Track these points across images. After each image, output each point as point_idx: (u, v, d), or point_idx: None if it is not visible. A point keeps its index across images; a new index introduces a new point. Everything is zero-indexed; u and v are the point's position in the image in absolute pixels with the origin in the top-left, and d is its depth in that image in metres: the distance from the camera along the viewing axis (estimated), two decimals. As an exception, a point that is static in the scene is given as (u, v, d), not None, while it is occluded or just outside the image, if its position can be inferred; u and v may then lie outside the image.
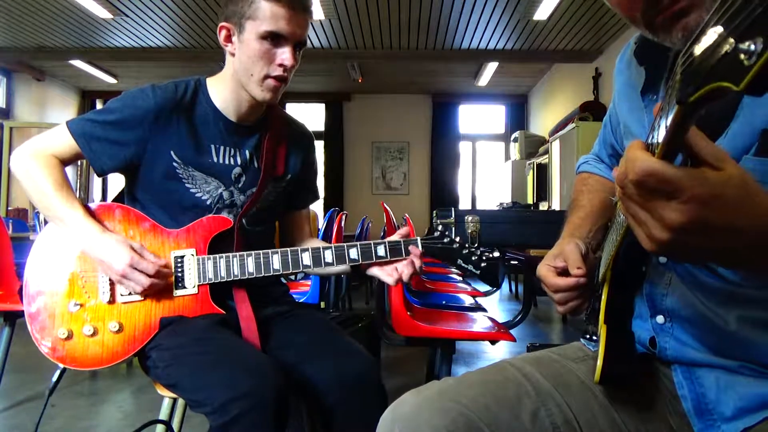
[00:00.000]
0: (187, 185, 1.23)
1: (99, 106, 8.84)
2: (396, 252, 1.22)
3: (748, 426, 0.64)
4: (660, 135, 0.44)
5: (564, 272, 0.79)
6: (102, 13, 5.32)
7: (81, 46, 6.45)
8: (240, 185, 1.28)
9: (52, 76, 7.86)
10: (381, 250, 1.21)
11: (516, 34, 5.90)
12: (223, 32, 1.20)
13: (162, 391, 1.15)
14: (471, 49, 6.43)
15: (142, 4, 5.19)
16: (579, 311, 0.81)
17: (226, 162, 1.26)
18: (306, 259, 1.20)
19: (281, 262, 1.21)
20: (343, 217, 3.25)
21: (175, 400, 1.23)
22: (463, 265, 1.21)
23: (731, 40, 0.35)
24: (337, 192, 8.68)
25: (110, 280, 1.16)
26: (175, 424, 1.34)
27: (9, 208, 6.75)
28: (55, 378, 1.23)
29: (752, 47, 0.34)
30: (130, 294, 1.16)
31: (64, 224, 1.17)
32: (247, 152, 1.29)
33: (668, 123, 0.43)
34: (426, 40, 6.12)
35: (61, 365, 1.14)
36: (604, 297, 0.75)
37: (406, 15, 5.39)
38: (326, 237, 3.12)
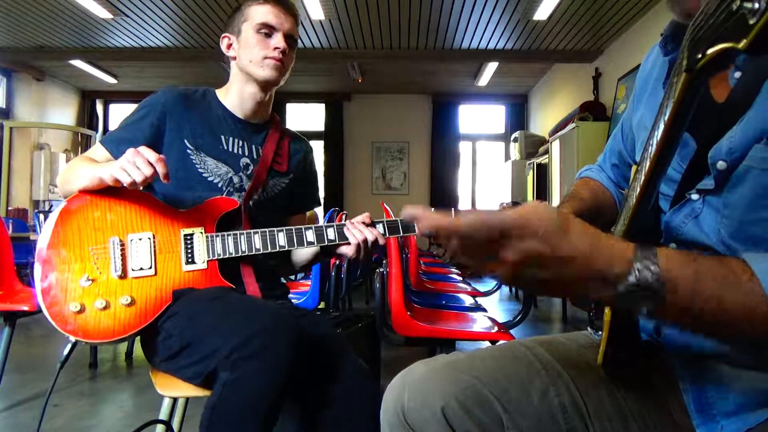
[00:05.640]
0: (199, 170, 1.33)
1: (99, 106, 8.87)
2: (394, 230, 1.31)
3: (750, 426, 0.63)
4: (667, 113, 0.45)
5: None
6: (102, 13, 5.33)
7: (81, 46, 6.45)
8: (248, 172, 1.38)
9: (52, 76, 7.86)
10: (380, 228, 1.31)
11: (516, 34, 5.90)
12: (225, 41, 1.39)
13: (162, 390, 1.16)
14: (471, 49, 6.43)
15: (142, 4, 5.19)
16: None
17: (236, 151, 1.38)
18: (310, 236, 1.28)
19: (286, 239, 1.27)
20: (343, 217, 3.24)
21: (175, 400, 1.24)
22: None
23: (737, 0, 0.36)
24: (337, 192, 8.67)
25: (122, 255, 1.19)
26: (175, 424, 1.35)
27: (9, 208, 6.75)
28: (66, 351, 1.25)
29: (756, 5, 0.35)
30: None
31: (96, 173, 1.15)
32: (254, 147, 1.41)
33: (676, 94, 0.44)
34: (426, 40, 6.12)
35: (73, 338, 1.14)
36: None
37: (406, 15, 5.39)
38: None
